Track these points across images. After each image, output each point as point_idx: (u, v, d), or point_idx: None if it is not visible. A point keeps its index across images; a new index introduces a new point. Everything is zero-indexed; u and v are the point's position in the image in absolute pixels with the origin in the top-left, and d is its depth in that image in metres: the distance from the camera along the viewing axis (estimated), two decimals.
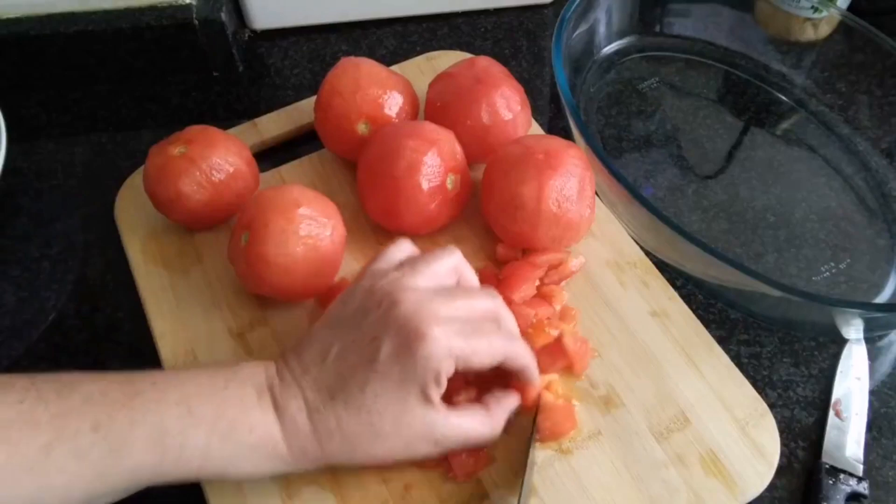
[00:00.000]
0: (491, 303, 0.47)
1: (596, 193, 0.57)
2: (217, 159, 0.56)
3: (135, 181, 0.63)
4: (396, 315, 0.43)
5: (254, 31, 0.78)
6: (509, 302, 0.53)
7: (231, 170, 0.57)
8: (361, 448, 0.44)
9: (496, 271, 0.56)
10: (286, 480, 0.48)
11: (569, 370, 0.52)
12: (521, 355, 0.47)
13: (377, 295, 0.44)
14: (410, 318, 0.42)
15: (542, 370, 0.51)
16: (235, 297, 0.56)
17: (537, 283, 0.55)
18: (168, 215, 0.58)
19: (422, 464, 0.48)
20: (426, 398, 0.43)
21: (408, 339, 0.42)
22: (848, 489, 0.49)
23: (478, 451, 0.48)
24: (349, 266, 0.58)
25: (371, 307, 0.44)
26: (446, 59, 0.70)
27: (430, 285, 0.45)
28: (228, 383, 0.43)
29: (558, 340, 0.51)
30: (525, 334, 0.52)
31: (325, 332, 0.46)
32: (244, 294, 0.56)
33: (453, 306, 0.44)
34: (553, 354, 0.52)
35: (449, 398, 0.46)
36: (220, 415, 0.41)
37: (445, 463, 0.48)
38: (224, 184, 0.56)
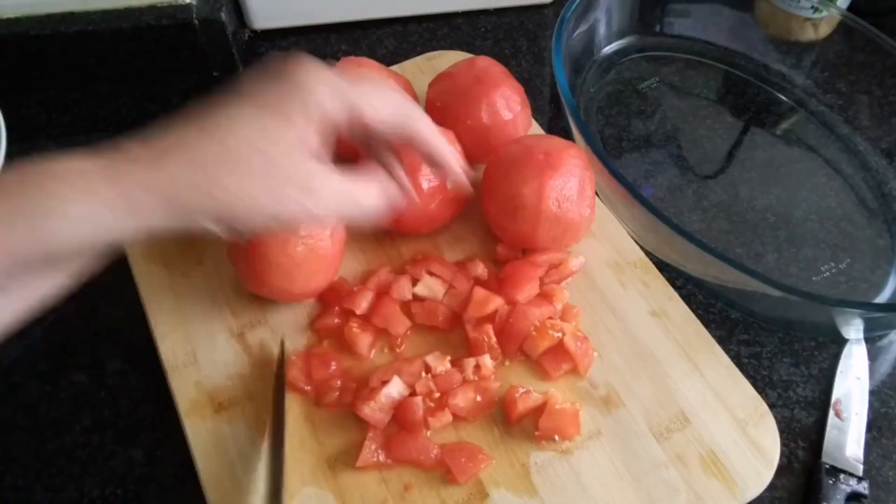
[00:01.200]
0: (402, 98, 0.44)
1: (596, 193, 0.57)
2: None
3: None
4: (291, 66, 0.39)
5: (254, 31, 0.78)
6: (513, 302, 0.53)
7: None
8: (212, 175, 0.36)
9: (496, 271, 0.56)
10: (286, 480, 0.48)
11: (574, 371, 0.52)
12: (425, 129, 0.44)
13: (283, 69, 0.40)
14: (301, 63, 0.39)
15: (550, 376, 0.51)
16: (235, 297, 0.56)
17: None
18: None
19: (420, 463, 0.48)
20: (301, 137, 0.38)
21: (288, 69, 0.39)
22: (848, 489, 0.49)
23: (475, 454, 0.48)
24: (349, 266, 0.58)
25: (276, 83, 0.40)
26: (446, 59, 0.70)
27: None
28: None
29: (560, 343, 0.51)
30: (529, 337, 0.52)
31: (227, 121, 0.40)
32: (244, 294, 0.56)
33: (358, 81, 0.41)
34: (557, 358, 0.52)
35: None
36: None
37: (444, 465, 0.48)
38: None
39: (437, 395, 0.50)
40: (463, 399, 0.50)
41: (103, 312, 0.59)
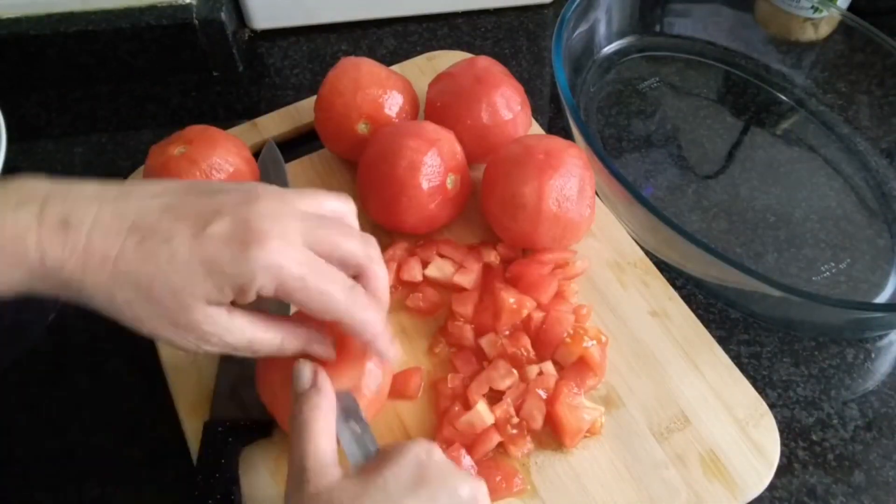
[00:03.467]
0: (362, 249, 0.41)
1: (596, 193, 0.57)
2: (217, 159, 0.56)
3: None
4: (254, 206, 0.38)
5: (254, 31, 0.78)
6: (539, 304, 0.53)
7: (231, 170, 0.57)
8: (125, 296, 0.37)
9: (502, 269, 0.56)
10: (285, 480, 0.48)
11: (595, 380, 0.52)
12: (367, 326, 0.41)
13: (250, 184, 0.41)
14: (263, 217, 0.38)
15: (578, 387, 0.50)
16: None
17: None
18: None
19: None
20: (219, 295, 0.37)
21: (246, 233, 0.37)
22: None
23: (511, 474, 0.47)
24: None
25: (235, 188, 0.40)
26: (446, 59, 0.70)
27: (307, 209, 0.40)
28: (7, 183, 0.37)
29: (582, 358, 0.51)
30: (563, 343, 0.51)
31: (174, 184, 0.40)
32: None
33: (316, 232, 0.39)
34: (581, 373, 0.51)
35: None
36: None
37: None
38: None
39: (515, 420, 0.49)
40: (539, 418, 0.49)
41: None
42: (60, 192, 0.38)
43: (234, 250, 0.37)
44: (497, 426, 0.49)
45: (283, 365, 0.43)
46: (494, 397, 0.50)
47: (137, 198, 0.38)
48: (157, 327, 0.38)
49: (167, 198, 0.39)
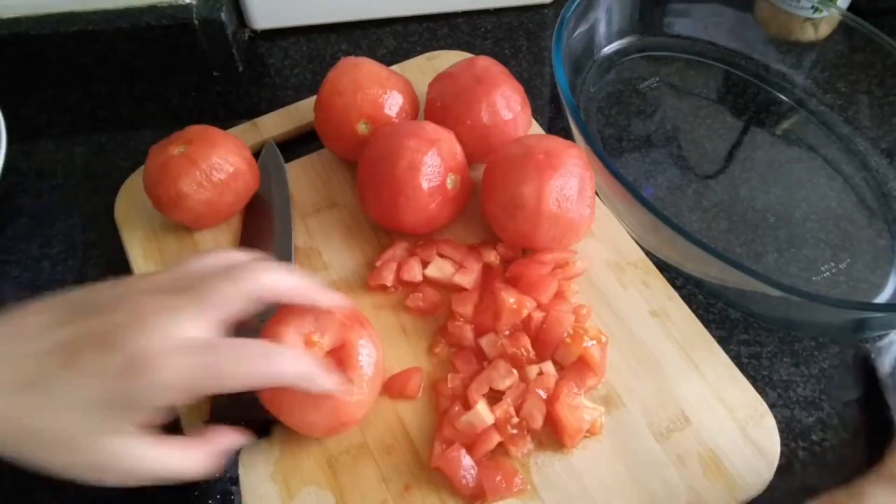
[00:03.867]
0: (257, 286, 0.41)
1: (596, 193, 0.57)
2: (217, 159, 0.56)
3: (135, 181, 0.63)
4: (135, 330, 0.37)
5: (254, 31, 0.78)
6: (539, 304, 0.53)
7: (231, 169, 0.57)
8: (27, 448, 0.37)
9: (502, 269, 0.56)
10: (286, 480, 0.48)
11: (595, 380, 0.52)
12: (299, 377, 0.42)
13: (130, 298, 0.39)
14: (147, 338, 0.36)
15: (578, 387, 0.50)
16: None
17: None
18: (169, 215, 0.58)
19: (459, 484, 0.47)
20: (120, 427, 0.37)
21: (133, 364, 0.36)
22: None
23: (511, 475, 0.47)
24: (349, 265, 0.58)
25: (114, 304, 0.39)
26: (446, 59, 0.70)
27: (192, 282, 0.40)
28: None
29: (582, 358, 0.51)
30: (563, 343, 0.51)
31: (51, 311, 0.39)
32: None
33: (212, 314, 0.39)
34: (581, 373, 0.51)
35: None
36: None
37: (480, 486, 0.47)
38: (224, 183, 0.56)
39: (515, 420, 0.49)
40: (539, 418, 0.49)
41: None
42: None
43: (125, 381, 0.36)
44: (497, 426, 0.49)
45: None
46: (494, 397, 0.50)
47: (15, 341, 0.37)
48: (74, 471, 0.38)
49: (45, 339, 0.37)
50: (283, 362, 0.41)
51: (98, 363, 0.36)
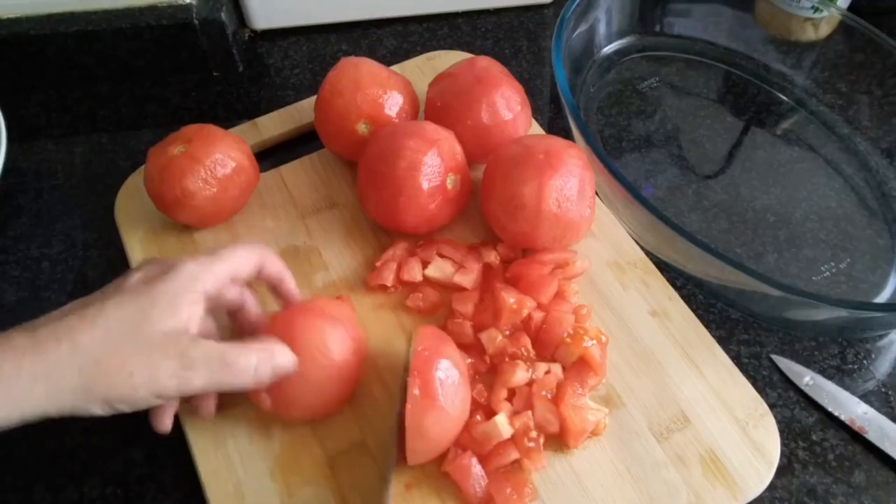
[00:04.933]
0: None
1: (596, 193, 0.57)
2: (219, 155, 0.56)
3: (135, 181, 0.63)
4: (169, 272, 0.43)
5: (254, 31, 0.78)
6: (540, 304, 0.53)
7: (234, 164, 0.57)
8: (92, 356, 0.39)
9: (502, 269, 0.56)
10: (286, 480, 0.48)
11: (596, 380, 0.52)
12: (276, 261, 0.49)
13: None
14: (156, 262, 0.45)
15: (579, 386, 0.50)
16: None
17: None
18: (173, 216, 0.57)
19: (468, 493, 0.46)
20: (174, 312, 0.42)
21: (156, 264, 0.44)
22: None
23: (522, 485, 0.47)
24: (348, 266, 0.58)
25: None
26: (446, 59, 0.70)
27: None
28: None
29: (583, 358, 0.51)
30: (563, 343, 0.51)
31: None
32: None
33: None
34: (582, 373, 0.51)
35: None
36: None
37: (489, 495, 0.47)
38: (228, 178, 0.57)
39: (534, 433, 0.48)
40: (555, 422, 0.49)
41: None
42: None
43: (157, 281, 0.43)
44: (515, 439, 0.48)
45: None
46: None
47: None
48: (137, 373, 0.40)
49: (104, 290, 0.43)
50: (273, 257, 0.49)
51: (135, 277, 0.43)
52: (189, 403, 0.48)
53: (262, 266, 0.48)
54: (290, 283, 0.50)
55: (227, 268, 0.45)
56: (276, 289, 0.50)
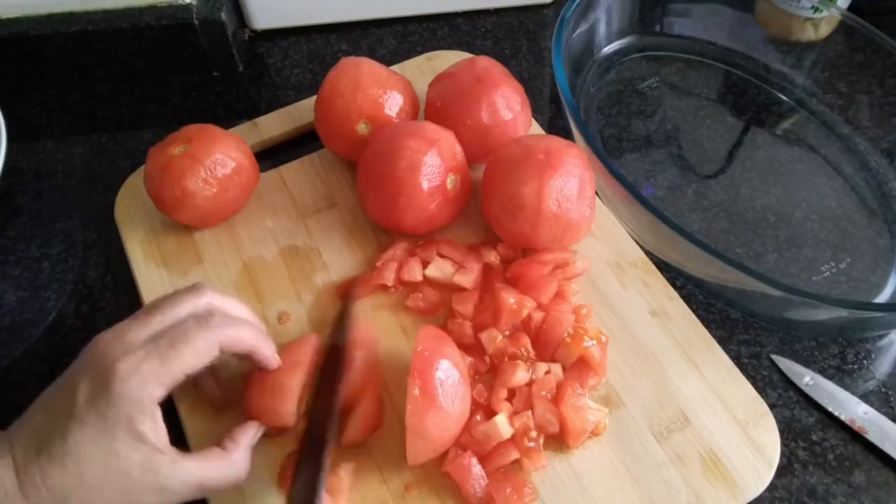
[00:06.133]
0: (195, 301, 0.45)
1: (596, 193, 0.57)
2: (219, 154, 0.56)
3: (135, 181, 0.63)
4: (91, 355, 0.42)
5: (254, 31, 0.78)
6: (539, 304, 0.53)
7: (234, 164, 0.57)
8: (74, 502, 0.40)
9: (502, 269, 0.56)
10: (285, 481, 0.48)
11: (596, 380, 0.52)
12: (240, 339, 0.44)
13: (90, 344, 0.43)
14: (102, 356, 0.41)
15: (579, 387, 0.50)
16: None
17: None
18: (174, 216, 0.57)
19: (467, 493, 0.46)
20: (138, 438, 0.40)
21: (100, 379, 0.40)
22: None
23: (522, 485, 0.47)
24: (350, 265, 0.58)
25: (80, 355, 0.43)
26: (446, 59, 0.70)
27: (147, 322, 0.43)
28: None
29: (583, 358, 0.51)
30: (563, 343, 0.51)
31: (47, 389, 0.43)
32: (241, 293, 0.56)
33: (149, 325, 0.42)
34: (582, 373, 0.51)
35: None
36: None
37: (490, 496, 0.46)
38: (229, 178, 0.57)
39: (534, 433, 0.48)
40: (556, 422, 0.49)
41: (103, 312, 0.59)
42: None
43: (102, 399, 0.40)
44: (514, 439, 0.48)
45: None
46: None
47: (25, 422, 0.42)
48: None
49: (42, 405, 0.43)
50: (239, 331, 0.45)
51: (79, 395, 0.41)
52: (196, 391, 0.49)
53: (227, 349, 0.44)
54: (265, 352, 0.47)
55: (178, 369, 0.41)
56: (248, 359, 0.47)
